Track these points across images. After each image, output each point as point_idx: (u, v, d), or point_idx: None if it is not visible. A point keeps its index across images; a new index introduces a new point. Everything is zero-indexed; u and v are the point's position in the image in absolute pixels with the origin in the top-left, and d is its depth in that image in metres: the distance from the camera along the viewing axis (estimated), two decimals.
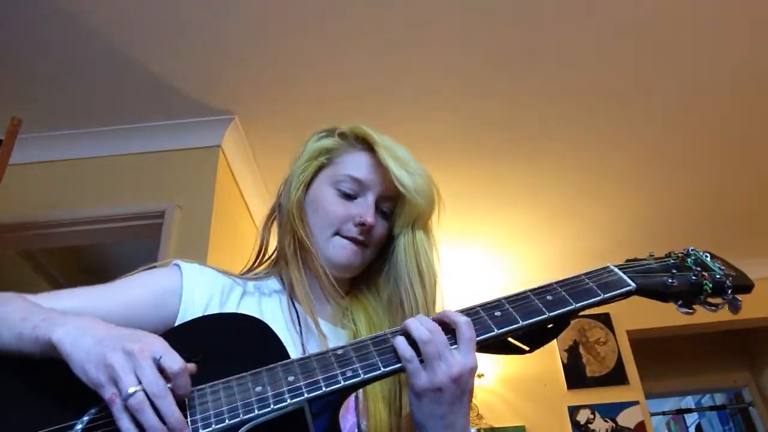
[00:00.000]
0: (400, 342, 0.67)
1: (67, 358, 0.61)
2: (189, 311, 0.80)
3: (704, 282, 0.77)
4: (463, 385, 0.65)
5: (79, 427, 0.61)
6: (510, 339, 0.73)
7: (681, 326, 3.86)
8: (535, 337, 0.74)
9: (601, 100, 2.57)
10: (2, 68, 2.30)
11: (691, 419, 5.52)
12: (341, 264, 0.88)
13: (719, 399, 5.15)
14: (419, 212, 0.88)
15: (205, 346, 0.72)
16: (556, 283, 0.75)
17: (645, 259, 0.80)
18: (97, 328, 0.63)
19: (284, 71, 2.36)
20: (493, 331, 0.69)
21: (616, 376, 3.64)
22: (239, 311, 0.84)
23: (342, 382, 0.64)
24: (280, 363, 0.67)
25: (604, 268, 0.77)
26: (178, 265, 0.87)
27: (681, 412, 5.45)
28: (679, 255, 0.81)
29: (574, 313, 0.73)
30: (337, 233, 0.89)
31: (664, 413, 5.41)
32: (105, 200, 2.50)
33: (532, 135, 2.75)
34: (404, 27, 2.20)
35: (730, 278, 0.81)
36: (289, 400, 0.62)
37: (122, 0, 2.07)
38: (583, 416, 3.55)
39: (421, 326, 0.67)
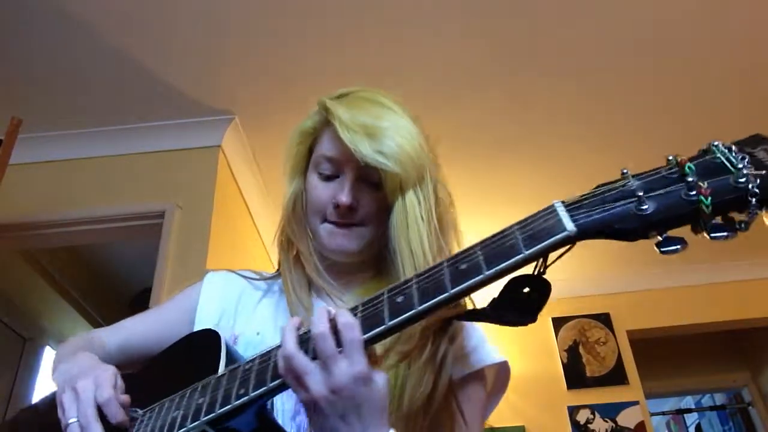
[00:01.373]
0: (279, 354, 0.61)
1: None
2: (201, 324, 0.87)
3: (701, 199, 0.48)
4: (350, 396, 0.56)
5: None
6: (485, 310, 0.63)
7: (681, 326, 3.87)
8: (515, 306, 0.61)
9: (603, 97, 2.57)
10: (2, 68, 2.30)
11: (691, 419, 5.52)
12: (335, 250, 0.83)
13: (719, 399, 5.14)
14: (401, 177, 0.77)
15: (165, 371, 0.78)
16: (479, 243, 0.58)
17: (620, 180, 0.55)
18: (74, 366, 0.75)
19: (284, 71, 2.36)
20: (384, 324, 0.57)
21: (616, 376, 3.63)
22: (254, 316, 0.87)
23: (232, 402, 0.60)
24: (202, 382, 0.66)
25: (546, 209, 0.56)
26: (204, 279, 0.94)
27: (681, 412, 5.45)
28: (679, 160, 0.52)
29: (493, 279, 0.55)
30: (325, 219, 0.83)
31: (663, 413, 5.41)
32: (105, 200, 2.50)
33: (535, 131, 2.75)
34: (404, 27, 2.20)
35: (759, 180, 0.48)
36: (188, 425, 0.62)
37: (122, 0, 2.08)
38: (582, 416, 3.55)
39: (288, 339, 0.59)
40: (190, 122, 2.60)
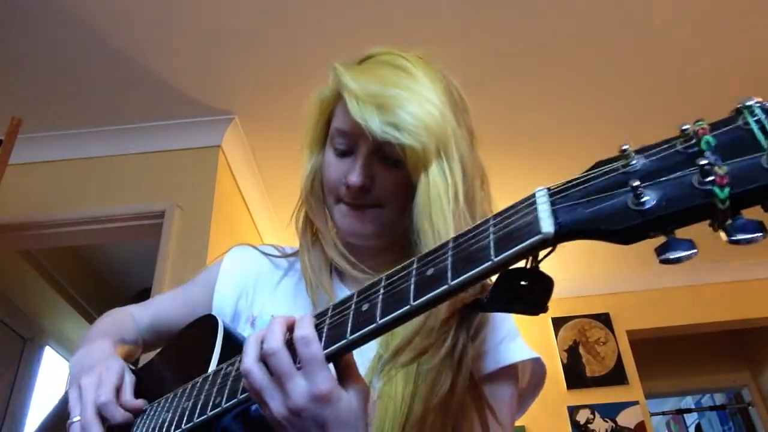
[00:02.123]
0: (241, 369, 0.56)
1: None
2: (219, 303, 0.84)
3: (714, 190, 0.35)
4: (312, 417, 0.50)
5: None
6: (485, 302, 0.54)
7: (681, 326, 3.87)
8: (518, 297, 0.50)
9: (601, 100, 2.57)
10: (2, 68, 2.31)
11: (691, 419, 5.52)
12: (348, 233, 0.75)
13: (719, 399, 5.14)
14: (419, 151, 0.66)
15: (170, 361, 0.77)
16: (453, 240, 0.49)
17: (619, 159, 0.42)
18: (87, 357, 0.74)
19: (284, 71, 2.36)
20: (345, 338, 0.50)
21: (616, 376, 3.63)
22: (274, 296, 0.83)
23: (207, 413, 0.57)
24: (193, 381, 0.64)
25: (527, 198, 0.46)
26: (226, 254, 0.91)
27: (681, 412, 5.44)
28: (698, 129, 0.39)
29: (459, 290, 0.46)
30: (339, 200, 0.75)
31: (663, 413, 5.41)
32: (105, 200, 2.50)
33: (532, 134, 2.75)
34: (404, 27, 2.20)
35: None
36: (173, 431, 0.61)
37: (123, 0, 2.08)
38: (582, 416, 3.55)
39: (249, 353, 0.54)
40: (190, 122, 2.60)
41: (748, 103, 0.37)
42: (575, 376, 3.66)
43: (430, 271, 0.48)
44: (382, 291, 0.51)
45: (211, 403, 0.58)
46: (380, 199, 0.73)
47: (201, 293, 0.87)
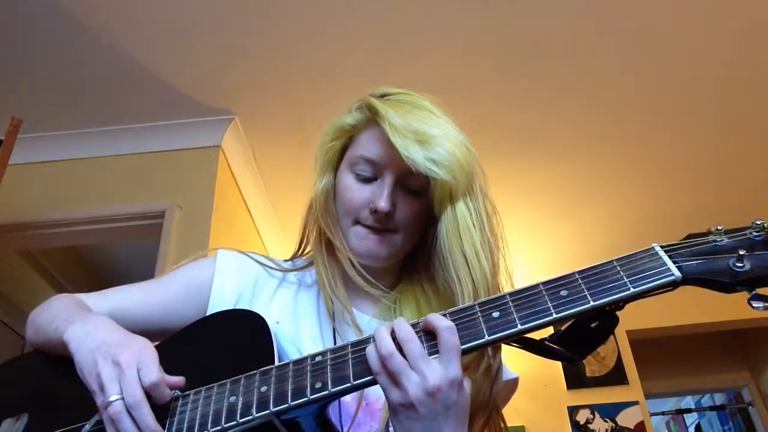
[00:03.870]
0: (370, 352, 0.60)
1: (73, 358, 0.67)
2: (217, 304, 0.82)
3: None
4: (444, 400, 0.56)
5: (87, 428, 0.65)
6: (547, 342, 0.64)
7: (681, 326, 3.86)
8: (579, 339, 0.63)
9: (601, 99, 2.57)
10: (2, 68, 2.31)
11: (691, 419, 5.52)
12: (363, 255, 0.81)
13: (719, 399, 5.14)
14: (451, 186, 0.74)
15: (202, 348, 0.74)
16: (579, 272, 0.61)
17: (712, 233, 0.60)
18: (100, 330, 0.68)
19: (284, 71, 2.36)
20: (483, 337, 0.59)
21: (616, 376, 3.63)
22: (272, 304, 0.84)
23: (308, 396, 0.60)
24: (260, 370, 0.64)
25: (646, 250, 0.60)
26: (216, 255, 0.88)
27: (681, 412, 5.45)
28: (766, 225, 0.58)
29: (593, 310, 0.59)
30: (357, 222, 0.81)
31: (663, 413, 5.41)
32: (105, 200, 2.50)
33: (532, 134, 2.75)
34: (404, 27, 2.20)
35: None
36: (254, 414, 0.60)
37: (122, 1, 2.08)
38: (582, 416, 3.54)
39: (385, 337, 0.59)
40: (190, 122, 2.60)
41: None
42: (575, 376, 3.66)
43: (563, 292, 0.59)
44: (511, 301, 0.61)
45: (309, 388, 0.60)
46: (398, 225, 0.80)
47: (179, 294, 0.84)
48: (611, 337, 3.69)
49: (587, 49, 2.32)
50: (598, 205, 3.25)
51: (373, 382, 0.59)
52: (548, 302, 0.59)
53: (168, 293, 0.85)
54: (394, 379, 0.57)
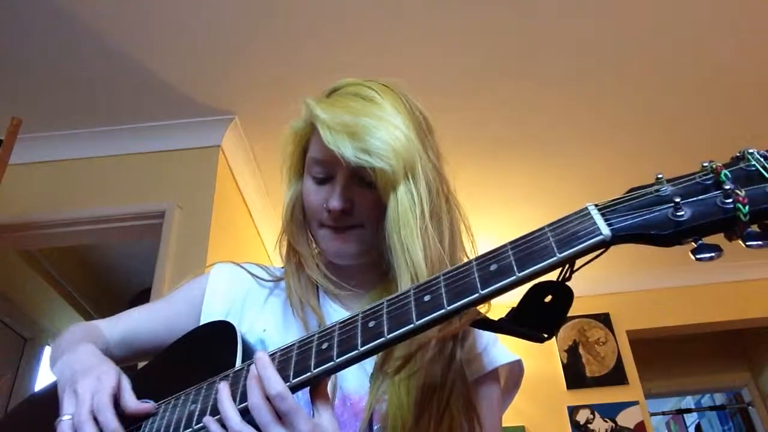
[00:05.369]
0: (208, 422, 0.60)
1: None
2: (208, 317, 0.85)
3: (738, 207, 0.48)
4: None
5: None
6: (505, 321, 0.62)
7: (681, 326, 3.87)
8: (535, 316, 0.60)
9: (601, 100, 2.57)
10: (2, 68, 2.31)
11: (691, 419, 5.52)
12: (334, 255, 0.81)
13: (719, 399, 5.15)
14: (388, 173, 0.72)
15: (179, 362, 0.78)
16: (510, 243, 0.57)
17: (654, 184, 0.54)
18: (77, 361, 0.73)
19: (284, 71, 2.36)
20: (412, 323, 0.56)
21: (616, 376, 3.63)
22: (262, 314, 0.85)
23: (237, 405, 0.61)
24: (221, 375, 0.65)
25: (579, 211, 0.55)
26: (211, 270, 0.92)
27: (681, 412, 5.45)
28: (715, 167, 0.51)
29: (523, 281, 0.54)
30: (321, 224, 0.80)
31: (663, 413, 5.41)
32: (105, 200, 2.50)
33: (532, 134, 2.76)
34: (404, 28, 2.20)
35: None
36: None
37: (122, 1, 2.08)
38: (582, 416, 3.55)
39: (229, 409, 0.59)
40: (190, 122, 2.60)
41: (750, 150, 0.51)
42: (575, 376, 3.66)
43: (493, 267, 0.55)
44: (445, 281, 0.57)
45: (238, 398, 0.61)
46: (360, 219, 0.78)
47: (181, 310, 0.88)
48: (611, 336, 3.72)
49: (587, 50, 2.32)
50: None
51: (310, 383, 0.59)
52: (477, 279, 0.55)
53: (169, 311, 0.89)
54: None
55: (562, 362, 3.71)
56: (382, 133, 0.72)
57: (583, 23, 2.21)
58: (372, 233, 0.78)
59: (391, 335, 0.56)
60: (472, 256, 0.67)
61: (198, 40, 2.23)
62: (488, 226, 3.29)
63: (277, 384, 0.57)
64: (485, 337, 0.81)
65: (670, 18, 2.21)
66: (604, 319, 3.82)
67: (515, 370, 0.84)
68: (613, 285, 3.85)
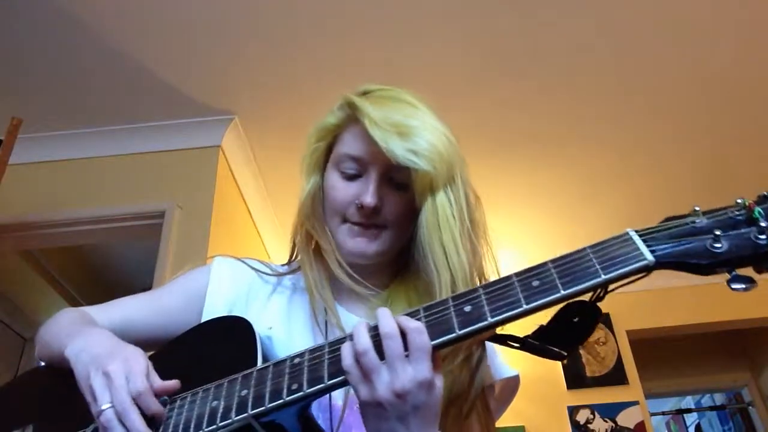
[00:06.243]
0: (345, 348, 0.59)
1: (73, 371, 0.70)
2: (211, 311, 0.83)
3: None
4: (412, 401, 0.56)
5: None
6: (530, 340, 0.63)
7: (681, 326, 3.86)
8: (563, 334, 0.62)
9: (601, 100, 2.57)
10: (2, 68, 2.31)
11: (691, 419, 5.52)
12: (352, 252, 0.80)
13: (719, 399, 5.15)
14: (432, 176, 0.73)
15: (193, 355, 0.76)
16: (551, 261, 0.59)
17: (690, 215, 0.58)
18: (96, 344, 0.71)
19: (284, 71, 2.36)
20: (454, 332, 0.58)
21: (616, 376, 3.63)
22: (266, 310, 0.84)
23: (284, 398, 0.60)
24: (242, 373, 0.65)
25: (620, 236, 0.58)
26: (212, 263, 0.90)
27: (681, 412, 5.45)
28: (748, 203, 0.56)
29: (566, 299, 0.57)
30: (345, 220, 0.80)
31: (663, 413, 5.41)
32: (105, 200, 2.50)
33: (532, 134, 2.76)
34: (404, 27, 2.20)
35: None
36: (234, 417, 0.61)
37: (122, 1, 2.08)
38: (582, 416, 3.55)
39: (362, 334, 0.58)
40: (190, 122, 2.60)
41: None
42: (575, 376, 3.66)
43: (535, 282, 0.58)
44: (483, 294, 0.59)
45: (285, 389, 0.60)
46: (387, 220, 0.79)
47: (179, 303, 0.86)
48: (611, 336, 3.72)
49: (587, 50, 2.32)
50: (598, 205, 3.25)
51: (345, 382, 0.59)
52: (519, 294, 0.57)
53: (167, 302, 0.87)
54: (366, 376, 0.57)
55: (561, 362, 3.71)
56: (430, 137, 0.74)
57: (583, 23, 2.21)
58: (395, 236, 0.80)
59: (434, 342, 0.58)
60: (491, 265, 0.75)
61: (198, 41, 2.23)
62: (489, 224, 3.29)
63: (412, 321, 0.58)
64: (491, 348, 0.82)
65: (670, 18, 2.21)
66: (604, 319, 3.82)
67: (511, 383, 0.84)
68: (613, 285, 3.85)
